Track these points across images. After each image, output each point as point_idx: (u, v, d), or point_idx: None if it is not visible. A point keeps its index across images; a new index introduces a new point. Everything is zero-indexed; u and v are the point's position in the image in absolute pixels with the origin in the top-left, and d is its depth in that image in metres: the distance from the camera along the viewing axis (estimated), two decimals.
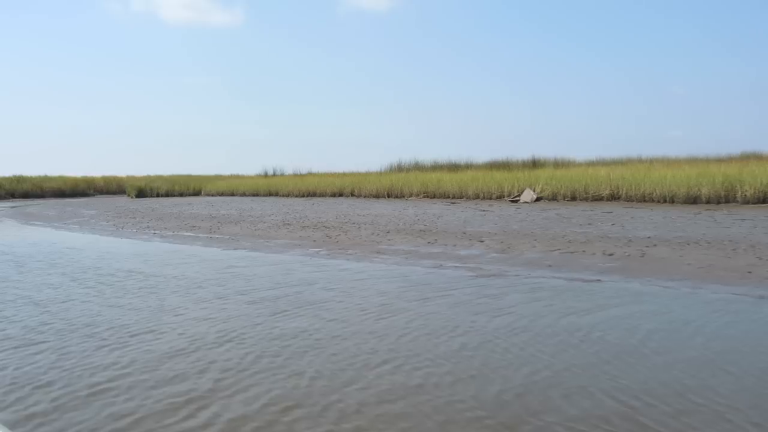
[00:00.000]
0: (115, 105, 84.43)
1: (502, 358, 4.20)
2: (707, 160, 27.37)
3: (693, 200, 17.93)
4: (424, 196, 25.44)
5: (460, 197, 24.10)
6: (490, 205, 20.23)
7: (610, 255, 8.59)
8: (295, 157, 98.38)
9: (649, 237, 10.35)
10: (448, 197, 24.53)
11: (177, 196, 37.04)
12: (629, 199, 19.47)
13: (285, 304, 6.02)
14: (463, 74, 77.21)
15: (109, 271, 8.23)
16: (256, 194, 34.27)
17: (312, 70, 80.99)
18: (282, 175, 41.19)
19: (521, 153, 47.89)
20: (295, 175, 39.09)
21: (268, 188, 33.95)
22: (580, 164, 30.81)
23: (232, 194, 35.52)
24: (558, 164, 30.79)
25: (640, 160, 30.34)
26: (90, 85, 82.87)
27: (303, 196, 30.97)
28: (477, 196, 23.57)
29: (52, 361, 4.25)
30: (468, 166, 33.21)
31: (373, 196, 27.57)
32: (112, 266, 8.70)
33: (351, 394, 3.57)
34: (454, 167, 33.10)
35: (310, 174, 39.30)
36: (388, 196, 26.97)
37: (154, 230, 14.46)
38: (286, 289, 6.81)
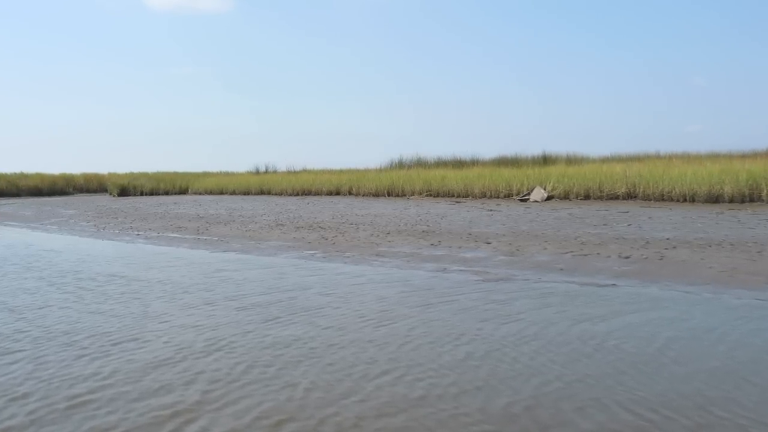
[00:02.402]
0: (96, 97, 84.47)
1: (510, 369, 4.21)
2: (730, 156, 27.33)
3: (715, 199, 17.92)
4: (426, 195, 25.45)
5: (466, 196, 24.10)
6: (497, 205, 20.24)
7: (627, 258, 8.59)
8: (288, 154, 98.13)
9: (668, 238, 10.35)
10: (453, 196, 24.54)
11: (162, 194, 37.06)
12: (646, 197, 19.47)
13: (278, 310, 6.02)
14: (469, 65, 77.22)
15: (90, 275, 8.24)
16: (246, 192, 34.30)
17: (308, 61, 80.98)
18: (275, 172, 41.15)
19: (531, 149, 47.80)
20: (289, 173, 39.06)
21: (260, 186, 33.95)
22: (594, 161, 30.78)
23: (221, 193, 35.54)
24: (570, 161, 30.78)
25: (658, 157, 30.33)
26: (70, 76, 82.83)
27: (297, 194, 30.98)
28: (483, 195, 23.58)
29: (29, 372, 4.25)
30: (474, 163, 33.18)
31: (373, 195, 27.57)
32: (92, 270, 8.71)
33: (348, 407, 3.58)
34: (459, 164, 33.07)
35: (304, 171, 39.29)
36: (389, 195, 26.97)
37: (138, 231, 14.48)
38: (278, 294, 6.82)
